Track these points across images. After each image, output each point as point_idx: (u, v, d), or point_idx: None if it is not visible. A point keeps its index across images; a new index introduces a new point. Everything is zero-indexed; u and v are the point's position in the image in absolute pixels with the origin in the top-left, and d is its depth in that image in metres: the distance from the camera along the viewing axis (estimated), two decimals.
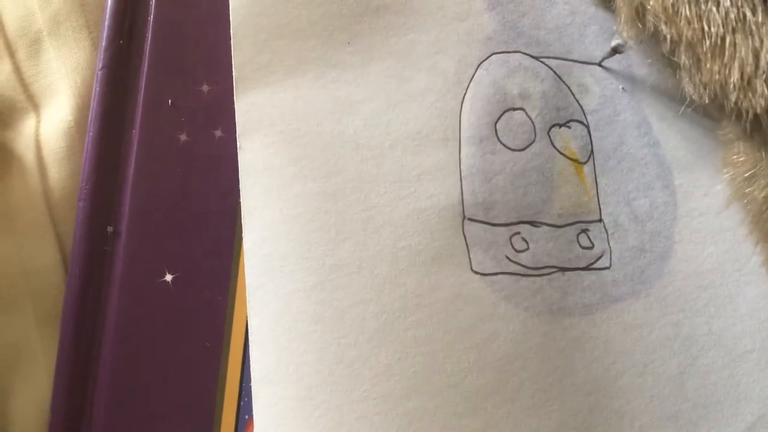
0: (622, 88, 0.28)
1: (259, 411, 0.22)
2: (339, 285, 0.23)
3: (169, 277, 0.25)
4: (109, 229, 0.25)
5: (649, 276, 0.27)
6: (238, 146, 0.24)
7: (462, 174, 0.26)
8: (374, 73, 0.26)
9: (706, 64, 0.20)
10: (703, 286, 0.27)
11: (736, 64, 0.20)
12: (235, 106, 0.25)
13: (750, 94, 0.19)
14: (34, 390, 0.25)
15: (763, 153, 0.23)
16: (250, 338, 0.23)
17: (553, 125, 0.27)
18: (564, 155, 0.27)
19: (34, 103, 0.27)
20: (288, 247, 0.24)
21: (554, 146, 0.27)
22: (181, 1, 0.27)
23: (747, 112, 0.20)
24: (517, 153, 0.26)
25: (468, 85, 0.27)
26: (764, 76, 0.19)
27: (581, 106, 0.28)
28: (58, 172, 0.26)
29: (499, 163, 0.26)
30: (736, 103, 0.20)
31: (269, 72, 0.25)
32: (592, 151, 0.27)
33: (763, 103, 0.19)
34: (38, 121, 0.27)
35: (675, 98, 0.28)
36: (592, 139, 0.27)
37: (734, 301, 0.27)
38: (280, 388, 0.23)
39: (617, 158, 0.27)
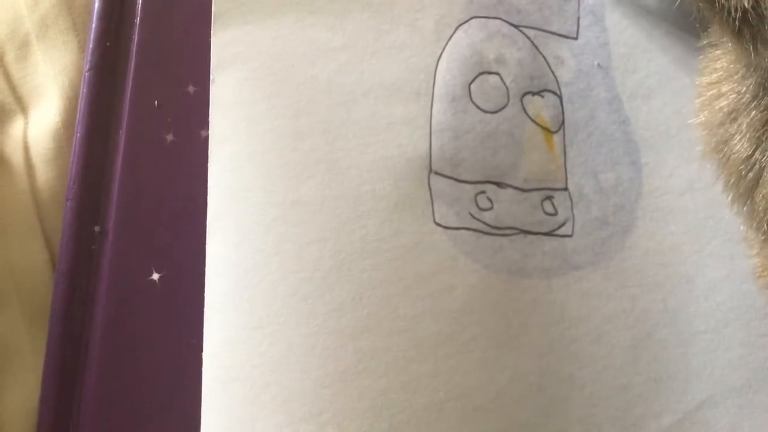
0: (598, 64, 0.29)
1: (210, 337, 0.23)
2: (299, 221, 0.24)
3: (156, 276, 0.25)
4: (96, 228, 0.26)
5: (609, 248, 0.27)
6: (210, 79, 0.25)
7: (432, 128, 0.26)
8: (353, 23, 0.26)
9: None
10: (662, 264, 0.27)
11: None
12: (212, 40, 0.25)
13: None
14: (23, 388, 0.25)
15: (752, 55, 0.22)
16: (207, 265, 0.23)
17: (527, 93, 0.28)
18: (535, 123, 0.28)
19: (22, 105, 0.28)
20: (252, 180, 0.24)
21: (526, 113, 0.27)
22: (168, 3, 0.28)
23: (736, 9, 0.20)
24: (488, 115, 0.27)
25: (445, 45, 0.27)
26: None
27: (556, 78, 0.28)
28: (46, 172, 0.27)
29: (469, 122, 0.27)
30: None
31: (249, 11, 0.26)
32: (563, 122, 0.28)
33: None
34: (26, 123, 0.28)
35: (649, 74, 0.29)
36: (564, 110, 0.28)
37: (691, 281, 0.27)
38: (233, 315, 0.23)
39: (587, 131, 0.28)
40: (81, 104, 0.27)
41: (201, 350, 0.24)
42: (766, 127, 0.23)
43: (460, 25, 0.28)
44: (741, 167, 0.23)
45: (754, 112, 0.23)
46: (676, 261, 0.28)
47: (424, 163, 0.26)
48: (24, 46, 0.29)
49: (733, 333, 0.27)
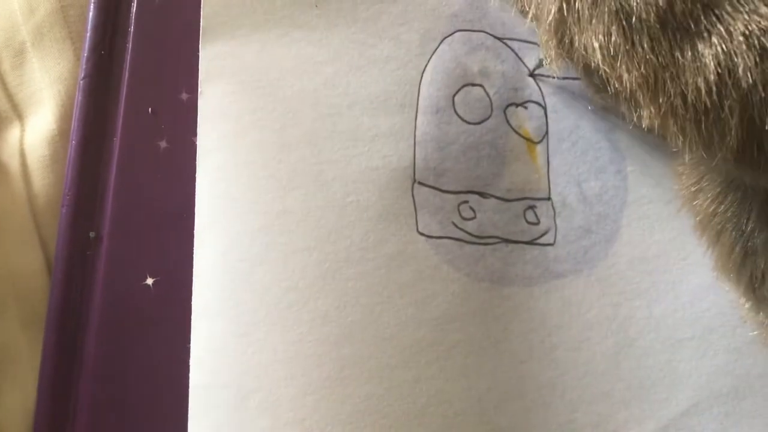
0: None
1: (197, 343, 0.24)
2: (285, 230, 0.25)
3: (150, 281, 0.26)
4: (92, 234, 0.27)
5: (592, 256, 0.28)
6: (198, 91, 0.25)
7: (416, 140, 0.27)
8: (339, 38, 0.27)
9: (644, 109, 0.21)
10: (646, 271, 0.28)
11: (670, 110, 0.21)
12: (200, 54, 0.26)
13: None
14: (20, 391, 0.26)
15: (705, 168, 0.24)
16: (195, 272, 0.24)
17: (510, 104, 0.29)
18: (518, 134, 0.28)
19: (18, 113, 0.29)
20: (239, 191, 0.25)
21: (509, 124, 0.28)
22: (161, 13, 0.29)
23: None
24: (471, 126, 0.28)
25: (430, 58, 0.28)
26: (694, 119, 0.20)
27: (540, 88, 0.29)
28: (42, 179, 0.28)
29: (453, 133, 0.27)
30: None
31: (236, 26, 0.27)
32: (547, 132, 0.29)
33: (701, 146, 0.20)
34: (23, 130, 0.29)
35: None
36: (548, 120, 0.29)
37: (676, 288, 0.28)
38: (219, 322, 0.24)
39: (572, 140, 0.29)
40: (76, 112, 0.28)
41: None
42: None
43: (445, 38, 0.29)
44: (710, 222, 0.25)
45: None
46: (661, 268, 0.28)
47: (408, 173, 0.27)
48: (20, 54, 0.30)
49: (719, 340, 0.28)
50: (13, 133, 0.29)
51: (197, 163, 0.26)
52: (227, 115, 0.26)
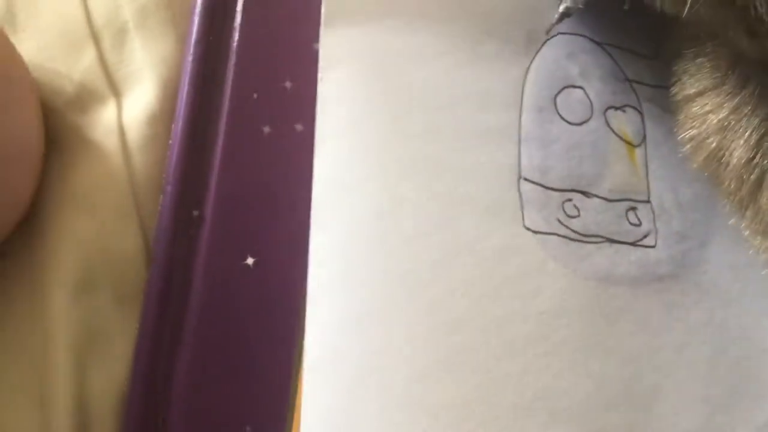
0: None
1: (312, 322, 0.24)
2: (401, 217, 0.25)
3: (250, 261, 0.26)
4: (195, 213, 0.27)
5: (689, 261, 0.28)
6: (319, 77, 0.26)
7: (521, 137, 0.27)
8: (454, 30, 0.28)
9: None
10: (737, 279, 0.29)
11: None
12: (320, 40, 0.26)
13: None
14: (111, 370, 0.26)
15: None
16: (311, 255, 0.24)
17: (610, 107, 0.29)
18: (618, 136, 0.29)
19: (116, 91, 0.29)
20: (354, 176, 0.26)
21: (609, 126, 0.29)
22: (268, 3, 0.30)
23: None
24: (573, 126, 0.28)
25: (534, 58, 0.29)
26: None
27: (636, 94, 0.30)
28: (142, 157, 0.28)
29: (556, 132, 0.28)
30: None
31: (358, 12, 0.27)
32: (645, 137, 0.29)
33: None
34: (120, 108, 0.29)
35: None
36: (646, 125, 0.29)
37: (765, 296, 0.28)
38: (337, 304, 0.24)
39: (668, 147, 0.29)
40: (182, 94, 0.28)
41: (292, 332, 0.25)
42: (765, 133, 0.23)
43: (548, 40, 0.29)
44: (742, 171, 0.24)
45: (756, 119, 0.23)
46: (750, 276, 0.29)
47: (514, 169, 0.27)
48: (121, 33, 0.30)
49: None
50: (110, 110, 0.29)
51: (315, 148, 0.26)
52: (345, 101, 0.27)
